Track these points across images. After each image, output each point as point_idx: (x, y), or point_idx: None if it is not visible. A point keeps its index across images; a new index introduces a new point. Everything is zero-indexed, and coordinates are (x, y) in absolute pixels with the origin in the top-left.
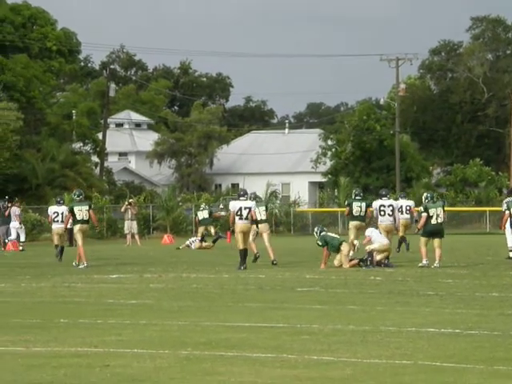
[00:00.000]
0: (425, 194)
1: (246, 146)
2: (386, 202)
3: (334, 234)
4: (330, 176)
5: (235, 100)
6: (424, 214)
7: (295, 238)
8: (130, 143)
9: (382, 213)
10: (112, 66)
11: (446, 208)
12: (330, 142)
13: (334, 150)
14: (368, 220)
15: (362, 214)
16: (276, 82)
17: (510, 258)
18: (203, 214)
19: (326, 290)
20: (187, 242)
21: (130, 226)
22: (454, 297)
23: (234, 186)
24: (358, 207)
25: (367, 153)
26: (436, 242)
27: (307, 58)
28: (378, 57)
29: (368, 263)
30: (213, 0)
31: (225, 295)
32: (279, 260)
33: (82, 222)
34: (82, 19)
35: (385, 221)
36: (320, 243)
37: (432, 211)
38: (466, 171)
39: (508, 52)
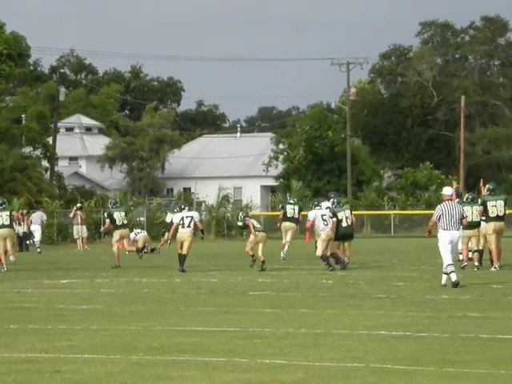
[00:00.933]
0: (331, 200)
1: (197, 150)
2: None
3: (258, 224)
4: (281, 180)
5: (187, 104)
6: (333, 219)
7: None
8: (80, 147)
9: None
10: (62, 70)
11: (397, 212)
12: (281, 146)
13: (285, 153)
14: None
15: (296, 216)
16: (227, 85)
17: (459, 260)
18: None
19: (278, 293)
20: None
21: (80, 230)
22: (404, 299)
23: (186, 190)
24: (291, 210)
25: (319, 156)
26: (346, 244)
27: (258, 61)
28: (328, 61)
29: (330, 268)
30: (164, 3)
31: (177, 299)
32: (231, 264)
33: (2, 226)
34: (31, 23)
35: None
36: (240, 224)
37: (340, 215)
38: (416, 175)
39: (457, 56)
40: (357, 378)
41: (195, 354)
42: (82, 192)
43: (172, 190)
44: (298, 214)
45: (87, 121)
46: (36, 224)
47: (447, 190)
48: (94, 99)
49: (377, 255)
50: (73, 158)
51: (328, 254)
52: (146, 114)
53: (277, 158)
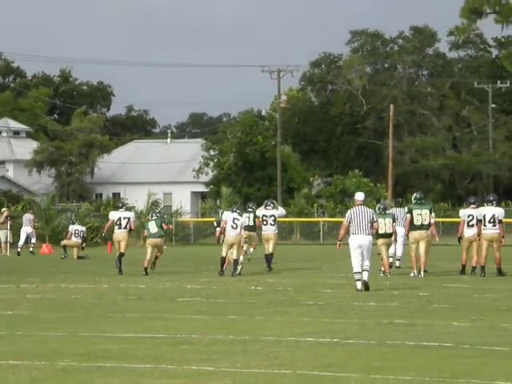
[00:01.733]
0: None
1: (127, 155)
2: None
3: (152, 227)
4: (212, 186)
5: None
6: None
7: (176, 248)
8: (7, 151)
9: (265, 222)
10: None
11: (326, 219)
12: (212, 153)
13: (216, 160)
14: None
15: (251, 223)
16: (158, 91)
17: (397, 267)
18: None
19: (207, 299)
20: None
21: (8, 235)
22: (332, 306)
23: (115, 195)
24: (246, 218)
25: (250, 163)
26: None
27: (190, 67)
28: (259, 68)
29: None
30: (94, 8)
31: (104, 306)
32: (160, 270)
33: None
34: None
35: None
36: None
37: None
38: (345, 182)
39: (386, 65)
40: None
41: (122, 360)
42: (8, 196)
43: (101, 195)
44: (254, 220)
45: (15, 124)
46: (26, 226)
47: (359, 195)
48: (22, 102)
49: (306, 262)
50: (0, 162)
51: (235, 257)
52: (76, 118)
53: (207, 165)
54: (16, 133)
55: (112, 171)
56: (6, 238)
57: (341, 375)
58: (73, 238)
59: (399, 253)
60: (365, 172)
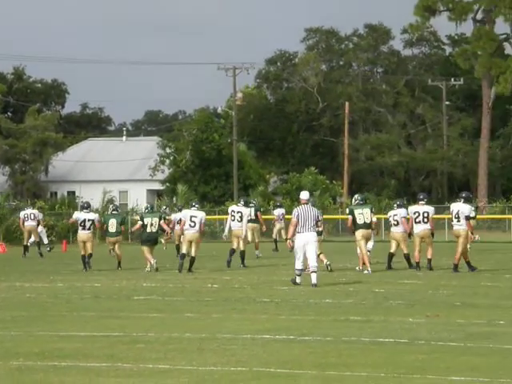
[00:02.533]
0: (144, 206)
1: (82, 153)
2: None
3: (112, 225)
4: (168, 184)
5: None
6: (140, 223)
7: (131, 246)
8: None
9: (233, 218)
10: None
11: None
12: (168, 150)
13: (172, 158)
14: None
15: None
16: (113, 89)
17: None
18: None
19: (163, 298)
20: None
21: None
22: (289, 303)
23: (70, 193)
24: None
25: (206, 161)
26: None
27: (145, 65)
28: (215, 65)
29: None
30: (48, 4)
31: (59, 304)
32: (110, 268)
33: None
34: None
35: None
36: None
37: (146, 220)
38: (301, 180)
39: (341, 63)
40: (240, 382)
41: (77, 359)
42: None
43: (56, 193)
44: (255, 214)
45: None
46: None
47: (304, 195)
48: None
49: (262, 259)
50: None
51: (193, 254)
52: (29, 116)
53: (163, 162)
54: None
55: (67, 169)
56: None
57: (297, 372)
58: (25, 223)
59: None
60: (321, 169)
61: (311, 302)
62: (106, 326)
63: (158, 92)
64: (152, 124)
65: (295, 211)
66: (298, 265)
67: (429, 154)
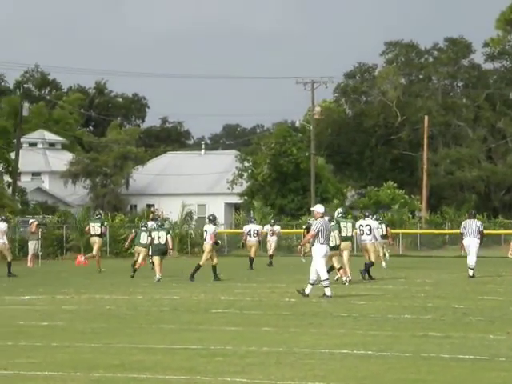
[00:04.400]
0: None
1: (162, 166)
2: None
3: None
4: (245, 197)
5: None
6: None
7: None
8: (43, 163)
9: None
10: (26, 85)
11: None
12: (246, 164)
13: (250, 171)
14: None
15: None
16: (192, 103)
17: (470, 276)
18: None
19: (241, 311)
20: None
21: (35, 246)
22: (367, 318)
23: (150, 206)
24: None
25: (283, 175)
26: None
27: (224, 79)
28: (293, 79)
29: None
30: (128, 21)
31: (138, 317)
32: (196, 281)
33: None
34: None
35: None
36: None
37: (154, 234)
38: (379, 194)
39: (421, 76)
40: None
41: (156, 371)
42: (44, 208)
43: (135, 206)
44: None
45: (51, 136)
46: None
47: (320, 208)
48: (56, 113)
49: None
50: (36, 174)
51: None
52: (112, 130)
53: (241, 176)
54: (51, 144)
55: (147, 183)
56: (35, 249)
57: None
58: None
59: (472, 262)
60: (399, 184)
61: (389, 317)
62: (185, 339)
63: (237, 106)
64: (230, 138)
65: (318, 224)
66: (326, 275)
67: (510, 168)
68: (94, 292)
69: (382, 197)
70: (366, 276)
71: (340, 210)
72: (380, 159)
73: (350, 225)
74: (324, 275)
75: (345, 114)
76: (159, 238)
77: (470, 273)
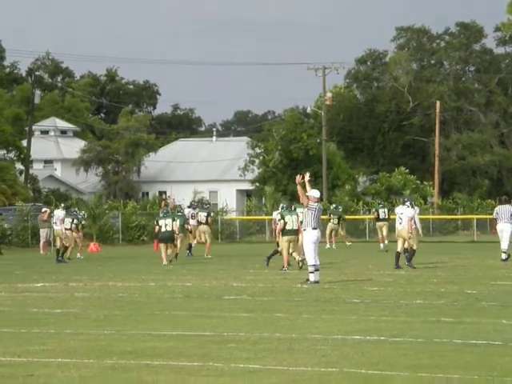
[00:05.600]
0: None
1: (173, 153)
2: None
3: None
4: (257, 184)
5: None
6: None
7: (222, 246)
8: (55, 150)
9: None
10: (38, 73)
11: (372, 216)
12: (257, 150)
13: (261, 158)
14: None
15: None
16: (203, 89)
17: (503, 259)
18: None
19: (253, 297)
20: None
21: (47, 233)
22: (379, 304)
23: (162, 193)
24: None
25: (295, 161)
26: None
27: (234, 66)
28: (304, 65)
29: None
30: (138, 8)
31: (151, 304)
32: (206, 268)
33: None
34: (6, 26)
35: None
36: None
37: (161, 222)
38: (391, 180)
39: (432, 62)
40: (331, 383)
41: (169, 358)
42: (56, 195)
43: (147, 193)
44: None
45: (62, 124)
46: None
47: (316, 193)
48: (67, 100)
49: (352, 260)
50: (48, 161)
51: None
52: (122, 117)
53: (253, 163)
54: (63, 132)
55: (158, 170)
56: (47, 237)
57: (388, 373)
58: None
59: (505, 246)
60: (411, 169)
61: (402, 303)
62: (198, 326)
63: (248, 92)
64: (241, 124)
65: (314, 206)
66: (313, 260)
67: None
68: (107, 279)
69: (394, 182)
70: (412, 264)
71: (282, 204)
72: (392, 145)
73: (294, 217)
74: (311, 260)
75: (356, 100)
76: (166, 225)
77: (503, 256)
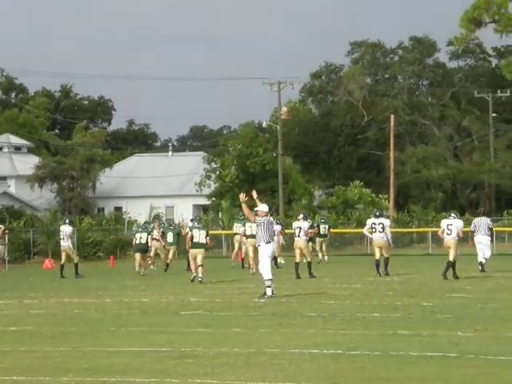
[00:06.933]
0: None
1: (129, 169)
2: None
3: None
4: (214, 199)
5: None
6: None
7: (179, 261)
8: (9, 167)
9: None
10: None
11: (332, 230)
12: (213, 165)
13: (218, 172)
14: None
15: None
16: (159, 105)
17: (481, 270)
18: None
19: (211, 312)
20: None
21: (4, 251)
22: (336, 318)
23: (117, 209)
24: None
25: (251, 176)
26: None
27: (190, 81)
28: (260, 80)
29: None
30: (93, 23)
31: (107, 320)
32: (163, 283)
33: None
34: None
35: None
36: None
37: (137, 235)
38: (347, 193)
39: (386, 76)
40: None
41: (126, 374)
42: (10, 212)
43: (103, 209)
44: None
45: (16, 140)
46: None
47: (265, 208)
48: (22, 117)
49: (307, 273)
50: (1, 178)
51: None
52: (77, 133)
53: (209, 177)
54: (17, 148)
55: (114, 185)
56: (1, 254)
57: None
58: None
59: (487, 255)
60: (366, 183)
61: (359, 316)
62: (155, 342)
63: (203, 107)
64: (197, 139)
65: (262, 220)
66: (270, 275)
67: (476, 166)
68: (63, 296)
69: (350, 196)
70: (454, 275)
71: (194, 220)
72: (347, 159)
73: (203, 232)
74: (267, 275)
75: (311, 114)
76: (141, 238)
77: (483, 267)
